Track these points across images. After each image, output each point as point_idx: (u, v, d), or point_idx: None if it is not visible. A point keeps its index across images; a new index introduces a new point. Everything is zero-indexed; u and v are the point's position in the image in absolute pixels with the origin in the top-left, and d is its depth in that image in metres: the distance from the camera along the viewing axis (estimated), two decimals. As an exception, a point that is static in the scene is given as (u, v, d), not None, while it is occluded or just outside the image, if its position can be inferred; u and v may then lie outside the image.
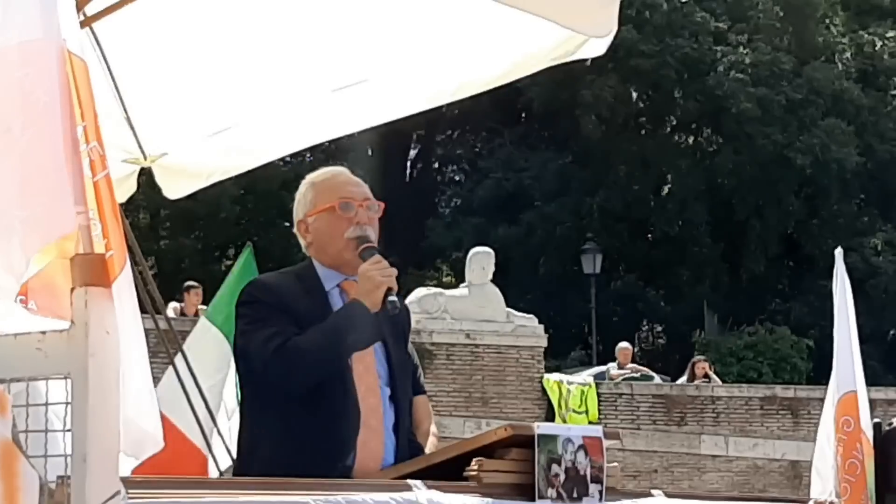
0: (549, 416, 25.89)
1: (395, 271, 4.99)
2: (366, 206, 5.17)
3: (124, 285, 3.39)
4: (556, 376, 27.38)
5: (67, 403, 3.28)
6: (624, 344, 30.72)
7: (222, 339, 8.58)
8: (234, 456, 5.82)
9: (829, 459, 6.16)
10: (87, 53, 3.68)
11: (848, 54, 40.62)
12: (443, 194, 49.22)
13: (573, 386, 27.12)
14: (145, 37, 6.35)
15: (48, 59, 3.35)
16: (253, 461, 4.93)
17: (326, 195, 5.20)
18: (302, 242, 5.27)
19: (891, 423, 6.36)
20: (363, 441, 5.04)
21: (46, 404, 3.35)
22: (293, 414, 4.95)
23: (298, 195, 5.27)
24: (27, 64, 3.36)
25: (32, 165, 3.34)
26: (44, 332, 3.32)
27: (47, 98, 3.32)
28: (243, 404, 5.27)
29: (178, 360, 7.77)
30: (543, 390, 26.67)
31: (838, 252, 6.36)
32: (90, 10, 5.85)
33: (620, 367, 29.36)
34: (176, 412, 7.61)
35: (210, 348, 8.68)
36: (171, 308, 23.39)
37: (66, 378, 3.28)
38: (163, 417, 7.27)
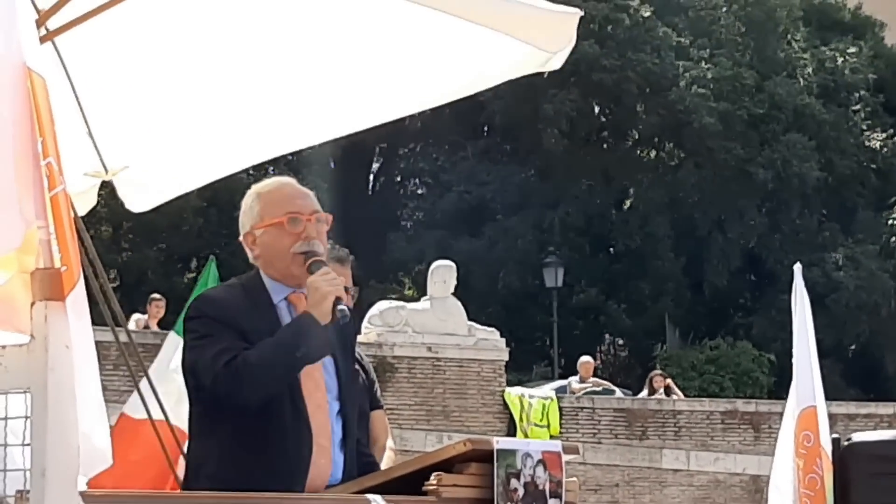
0: (511, 430, 25.90)
1: (342, 280, 4.99)
2: (314, 220, 5.11)
3: (78, 299, 3.38)
4: (517, 390, 27.39)
5: (27, 418, 3.28)
6: (585, 358, 30.77)
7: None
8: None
9: (788, 474, 6.19)
10: (48, 68, 3.68)
11: (809, 69, 40.80)
12: (405, 207, 49.21)
13: (535, 400, 27.13)
14: (107, 50, 6.34)
15: (7, 75, 3.36)
16: (200, 478, 4.84)
17: (273, 208, 5.15)
18: (249, 254, 5.22)
19: (849, 439, 6.39)
20: (313, 460, 4.97)
21: (6, 419, 3.36)
22: (242, 432, 4.88)
23: (245, 206, 5.20)
24: (-11, 79, 3.37)
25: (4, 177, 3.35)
26: (3, 347, 3.33)
27: (7, 113, 3.33)
28: (191, 421, 5.20)
29: (143, 384, 7.76)
30: (505, 404, 26.68)
31: (797, 267, 6.40)
32: (52, 24, 5.85)
33: (582, 380, 29.40)
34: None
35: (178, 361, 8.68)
36: (134, 320, 23.34)
37: (25, 392, 3.29)
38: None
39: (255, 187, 5.28)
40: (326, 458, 5.03)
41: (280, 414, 4.93)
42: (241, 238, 5.26)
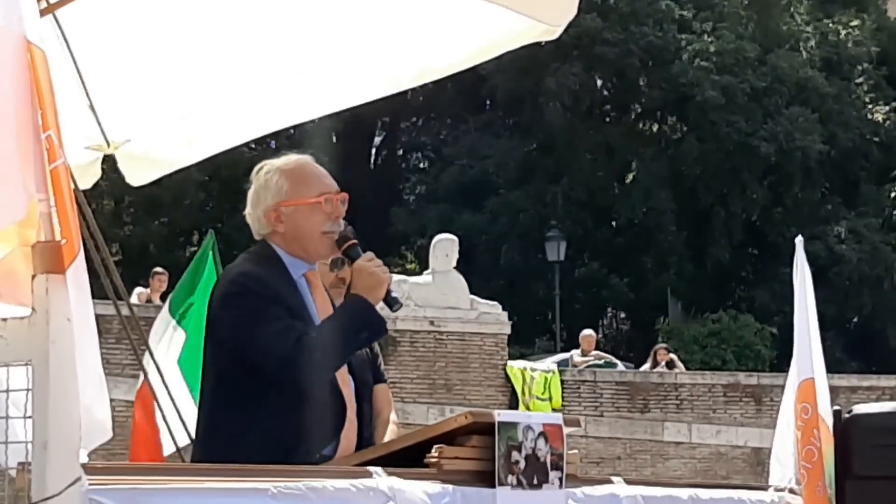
0: (513, 403, 25.91)
1: (387, 269, 5.07)
2: (340, 201, 5.19)
3: (78, 272, 3.39)
4: (519, 363, 27.40)
5: (28, 390, 3.29)
6: (588, 331, 30.76)
7: (182, 337, 8.61)
8: (195, 437, 5.74)
9: (788, 447, 6.19)
10: (49, 41, 3.68)
11: (812, 43, 40.72)
12: (407, 181, 49.20)
13: (537, 373, 27.13)
14: (108, 24, 6.34)
15: (7, 48, 3.36)
16: (234, 450, 4.77)
17: (305, 187, 5.17)
18: (265, 228, 5.19)
19: (850, 411, 6.40)
20: (344, 433, 5.07)
21: (8, 391, 3.37)
22: (285, 406, 4.91)
23: (265, 181, 5.17)
24: (-11, 52, 3.38)
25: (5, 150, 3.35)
26: (5, 320, 3.34)
27: (6, 86, 3.33)
28: (218, 393, 5.18)
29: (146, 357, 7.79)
30: (507, 377, 26.70)
31: (798, 240, 6.39)
32: (51, -2, 5.86)
33: (584, 354, 29.39)
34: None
35: (174, 343, 8.70)
36: (137, 294, 23.37)
37: (27, 365, 3.29)
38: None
39: (275, 163, 5.25)
40: (353, 430, 5.13)
41: (322, 390, 4.98)
42: (254, 212, 5.23)
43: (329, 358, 4.94)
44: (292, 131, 31.99)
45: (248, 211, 5.23)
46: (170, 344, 8.95)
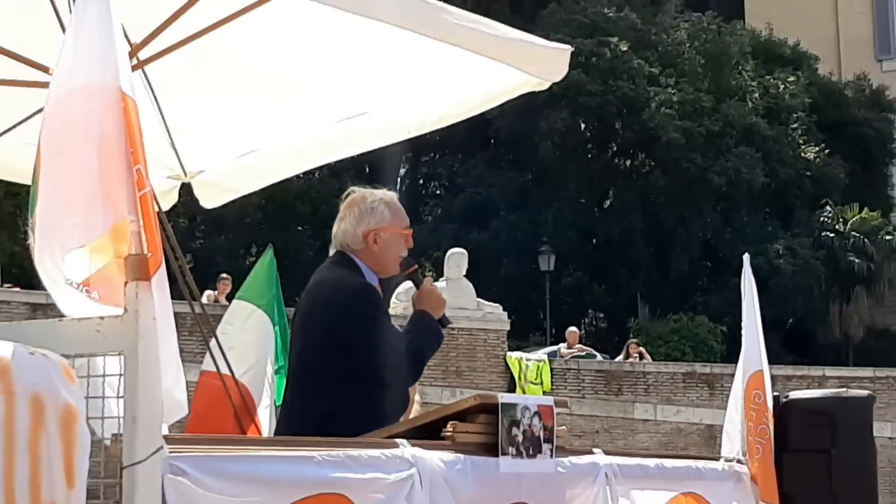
0: (511, 387, 25.89)
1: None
2: (411, 232, 5.31)
3: (161, 279, 3.40)
4: (516, 354, 27.39)
5: (121, 375, 3.30)
6: (572, 328, 30.80)
7: (264, 318, 8.55)
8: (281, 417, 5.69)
9: (736, 425, 6.17)
10: (138, 91, 3.69)
11: (756, 95, 40.65)
12: (426, 205, 49.14)
13: (531, 362, 27.13)
14: (186, 75, 6.35)
15: (107, 99, 3.37)
16: (328, 424, 4.80)
17: (400, 219, 5.26)
18: (359, 244, 5.17)
19: (787, 396, 6.39)
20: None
21: (104, 376, 3.37)
22: (371, 396, 4.97)
23: (371, 207, 5.18)
24: (90, 102, 3.38)
25: (94, 181, 3.36)
26: (102, 318, 3.35)
27: (110, 129, 3.34)
28: (305, 384, 5.14)
29: (215, 343, 7.75)
30: (506, 365, 26.67)
31: (746, 256, 6.37)
32: (142, 55, 5.86)
33: (569, 346, 29.40)
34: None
35: (254, 326, 8.61)
36: (206, 296, 23.38)
37: (119, 355, 3.30)
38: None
39: (377, 194, 5.25)
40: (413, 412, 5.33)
41: (402, 386, 5.18)
42: (353, 229, 5.16)
43: (414, 357, 5.07)
44: (334, 163, 32.01)
45: (343, 226, 5.18)
46: (246, 325, 8.77)
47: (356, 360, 4.94)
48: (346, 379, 4.96)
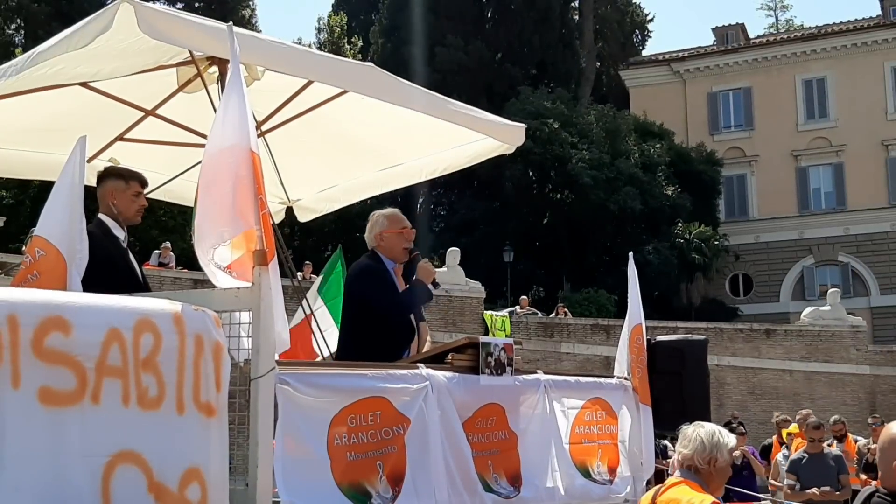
0: (486, 332, 25.85)
1: (434, 268, 5.20)
2: (411, 232, 5.27)
3: (274, 266, 3.40)
4: (489, 312, 27.36)
5: (250, 323, 3.30)
6: (523, 297, 30.73)
7: (328, 318, 8.43)
8: (331, 351, 5.72)
9: (624, 356, 6.14)
10: (262, 151, 3.68)
11: (636, 154, 40.52)
12: (435, 221, 49.00)
13: (498, 318, 27.09)
14: (291, 141, 6.32)
15: (242, 154, 3.37)
16: (360, 351, 4.81)
17: (395, 224, 5.25)
18: (373, 243, 5.22)
19: (655, 339, 6.36)
20: (412, 345, 5.15)
21: (240, 324, 3.37)
22: (387, 328, 4.94)
23: (375, 220, 5.25)
24: (233, 156, 3.37)
25: (236, 205, 3.36)
26: (238, 288, 3.35)
27: (244, 173, 3.34)
28: (353, 325, 5.11)
29: (305, 304, 7.71)
30: (483, 319, 26.64)
31: (630, 254, 6.35)
32: (264, 127, 5.85)
33: (521, 308, 29.32)
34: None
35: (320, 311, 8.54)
36: (298, 275, 23.32)
37: (249, 311, 3.30)
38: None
39: (380, 211, 5.35)
40: (415, 344, 5.20)
41: (406, 324, 5.08)
42: (369, 235, 5.25)
43: (405, 308, 5.05)
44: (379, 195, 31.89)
45: (366, 235, 5.28)
46: (316, 303, 8.72)
47: (367, 309, 4.97)
48: (363, 321, 5.00)
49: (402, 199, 40.44)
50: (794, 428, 13.78)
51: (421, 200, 48.27)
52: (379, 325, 4.95)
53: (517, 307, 29.54)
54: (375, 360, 4.33)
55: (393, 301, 4.95)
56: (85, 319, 2.74)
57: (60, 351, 2.66)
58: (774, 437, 14.88)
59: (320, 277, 9.60)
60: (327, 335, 7.49)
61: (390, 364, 4.39)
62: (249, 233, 3.35)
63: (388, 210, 5.35)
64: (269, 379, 3.31)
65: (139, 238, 26.86)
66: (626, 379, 6.01)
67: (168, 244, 25.09)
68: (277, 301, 3.38)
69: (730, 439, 3.88)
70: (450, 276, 26.12)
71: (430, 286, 5.16)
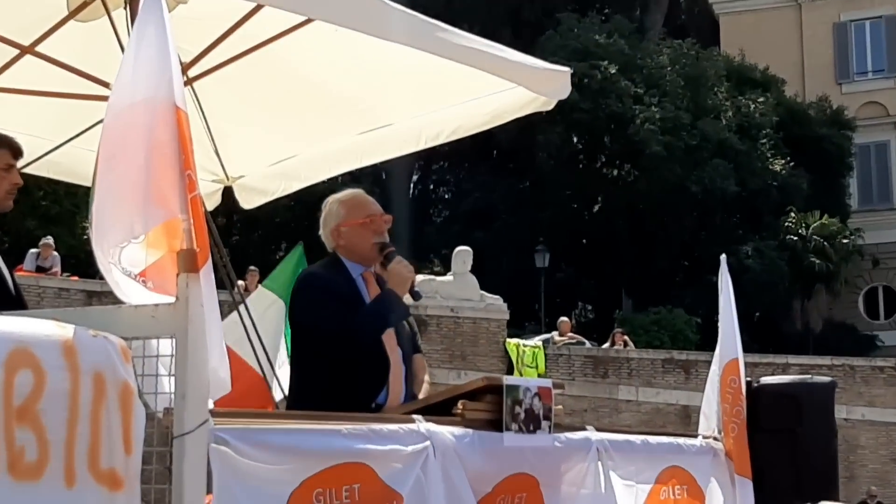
0: (510, 370, 25.91)
1: (412, 269, 5.11)
2: (384, 220, 5.23)
3: (208, 272, 3.40)
4: (514, 340, 27.39)
5: (172, 356, 3.30)
6: (563, 318, 30.76)
7: (283, 309, 8.53)
8: (286, 393, 5.78)
9: (713, 406, 6.15)
10: (188, 106, 3.69)
11: (730, 113, 40.56)
12: (436, 208, 49.17)
13: (527, 348, 27.13)
14: (229, 92, 6.36)
15: (164, 112, 3.38)
16: (311, 401, 4.85)
17: (356, 212, 5.23)
18: (331, 244, 5.27)
19: (757, 381, 6.38)
20: (391, 385, 5.10)
21: (157, 356, 3.38)
22: (343, 366, 4.94)
23: (329, 210, 5.26)
24: (149, 113, 3.38)
25: (152, 184, 3.37)
26: (156, 305, 3.35)
27: (164, 138, 3.35)
28: (299, 360, 5.25)
29: (244, 315, 7.74)
30: (505, 350, 26.67)
31: (723, 257, 6.35)
32: (191, 73, 5.87)
33: (561, 335, 29.36)
34: (243, 350, 7.61)
35: (272, 315, 8.61)
36: (240, 285, 23.39)
37: (171, 338, 3.31)
38: (233, 354, 7.26)
39: (336, 196, 5.32)
40: (400, 384, 5.15)
41: (367, 355, 5.01)
42: (324, 232, 5.29)
43: (367, 336, 4.98)
44: (354, 171, 32.00)
45: (320, 232, 5.29)
46: (266, 313, 8.77)
47: (311, 339, 5.03)
48: (309, 356, 5.07)
49: (386, 175, 40.71)
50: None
51: (415, 178, 48.48)
52: (329, 361, 4.96)
53: (554, 334, 29.56)
54: (331, 410, 4.33)
55: (344, 325, 4.94)
56: (-67, 350, 2.74)
57: None
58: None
59: (262, 287, 9.62)
60: (281, 371, 7.49)
61: (375, 416, 4.39)
62: (172, 224, 3.35)
63: (346, 193, 5.33)
64: (199, 436, 3.30)
65: (9, 231, 27.00)
66: (715, 439, 6.00)
67: (50, 240, 25.09)
68: (213, 323, 3.38)
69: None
70: (457, 287, 26.18)
71: (409, 297, 5.15)
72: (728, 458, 5.94)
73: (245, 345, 7.53)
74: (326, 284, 5.08)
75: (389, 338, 5.15)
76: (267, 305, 8.80)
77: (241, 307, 7.42)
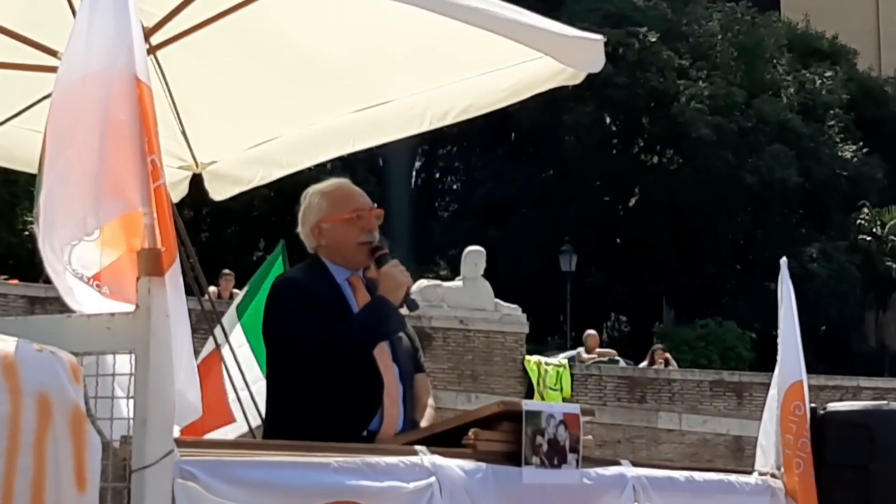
0: (529, 393, 25.94)
1: (408, 274, 5.12)
2: (373, 215, 5.24)
3: (175, 275, 3.41)
4: (535, 358, 27.41)
5: (131, 375, 3.31)
6: (590, 331, 30.78)
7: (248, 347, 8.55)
8: (263, 418, 5.79)
9: (771, 437, 6.15)
10: (152, 79, 3.69)
11: (791, 90, 40.63)
12: (442, 200, 49.20)
13: (550, 367, 27.16)
14: (199, 63, 6.37)
15: (122, 85, 3.38)
16: (290, 427, 4.89)
17: (340, 206, 5.24)
18: (311, 243, 5.28)
19: (825, 408, 6.37)
20: (386, 409, 5.09)
21: (113, 375, 3.38)
22: (327, 388, 4.94)
23: (309, 203, 5.27)
24: (105, 87, 3.38)
25: (108, 170, 3.37)
26: (112, 314, 3.36)
27: (123, 117, 3.35)
28: (275, 380, 5.26)
29: (218, 332, 7.77)
30: (524, 370, 26.69)
31: (783, 260, 6.35)
32: (155, 40, 5.87)
33: (588, 351, 29.37)
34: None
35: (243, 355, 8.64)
36: (209, 292, 23.43)
37: (130, 353, 3.31)
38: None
39: (317, 187, 5.33)
40: (396, 409, 5.13)
41: (354, 374, 5.01)
42: (303, 229, 5.30)
43: (354, 351, 4.99)
44: (346, 155, 32.02)
45: (299, 229, 5.30)
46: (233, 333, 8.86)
47: (289, 356, 5.04)
48: (286, 374, 5.09)
49: (384, 162, 40.73)
50: None
51: (417, 165, 48.46)
52: (310, 381, 4.98)
53: (582, 350, 29.58)
54: (313, 439, 4.33)
55: (328, 338, 4.95)
56: None
57: None
58: None
59: (243, 292, 9.67)
60: (255, 389, 7.50)
61: (369, 447, 4.40)
62: (132, 218, 3.35)
63: (329, 183, 5.35)
64: (162, 470, 3.31)
65: (-62, 226, 27.06)
66: (773, 476, 6.00)
67: (-14, 237, 25.21)
68: (180, 336, 3.39)
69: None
70: (468, 295, 26.19)
71: (404, 306, 5.16)
72: (791, 498, 5.93)
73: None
74: (305, 291, 5.08)
75: (383, 353, 5.14)
76: (240, 339, 8.83)
77: (216, 326, 7.48)
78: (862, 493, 6.09)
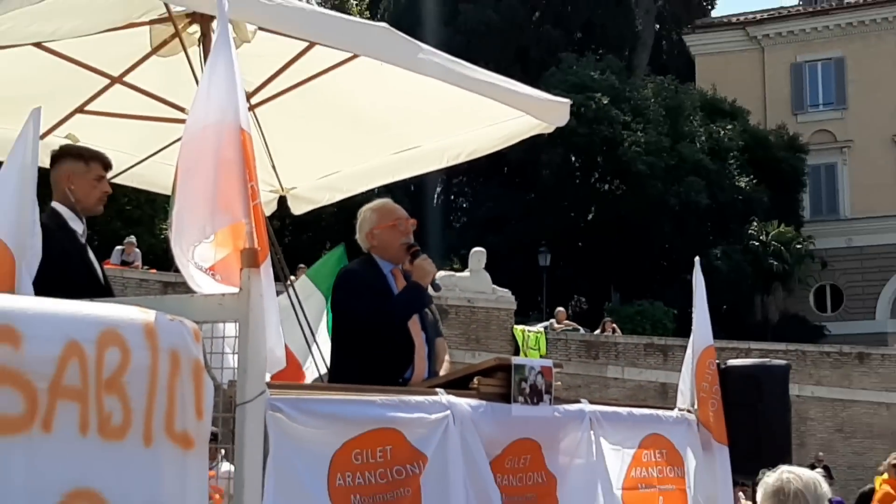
0: (516, 352, 25.89)
1: (434, 266, 5.15)
2: (409, 224, 5.25)
3: (267, 267, 3.40)
4: (520, 327, 27.35)
5: (236, 337, 3.30)
6: (560, 308, 30.70)
7: (322, 300, 8.51)
8: (329, 368, 5.78)
9: (688, 384, 6.12)
10: (251, 128, 3.69)
11: (703, 138, 40.39)
12: (456, 215, 49.06)
13: (531, 333, 27.08)
14: (285, 117, 6.36)
15: (233, 133, 3.37)
16: (348, 375, 4.89)
17: (385, 217, 5.26)
18: (366, 245, 5.30)
19: (726, 364, 6.35)
20: (416, 363, 5.11)
21: (223, 337, 3.38)
22: (376, 347, 4.97)
23: (363, 217, 5.33)
24: (218, 135, 3.38)
25: (220, 193, 3.37)
26: (223, 294, 3.35)
27: (231, 156, 3.35)
28: (338, 341, 5.25)
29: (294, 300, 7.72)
30: (513, 335, 26.63)
31: (697, 259, 6.33)
32: (254, 100, 5.87)
33: (559, 322, 29.28)
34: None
35: (313, 304, 8.58)
36: (290, 279, 23.35)
37: (235, 322, 3.30)
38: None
39: (369, 205, 5.39)
40: (423, 363, 5.16)
41: (397, 337, 5.05)
42: (360, 235, 5.32)
43: (396, 319, 5.03)
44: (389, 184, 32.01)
45: (357, 236, 5.32)
46: (306, 303, 8.72)
47: (350, 323, 5.07)
48: (347, 338, 5.10)
49: (415, 188, 40.58)
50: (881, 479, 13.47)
51: (438, 190, 48.32)
52: (365, 342, 4.99)
53: (553, 321, 29.50)
54: (366, 384, 4.33)
55: (377, 311, 4.97)
56: (38, 330, 2.67)
57: (7, 367, 2.58)
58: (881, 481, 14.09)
59: (305, 277, 9.58)
60: (321, 349, 7.48)
61: (404, 389, 4.40)
62: (237, 227, 3.34)
63: (377, 202, 5.40)
64: (258, 405, 3.31)
65: (98, 231, 27.07)
66: (689, 412, 5.97)
67: (133, 239, 25.14)
68: (270, 310, 3.38)
69: (827, 491, 3.79)
70: (473, 282, 26.14)
71: (430, 288, 5.19)
72: (705, 427, 5.91)
73: (285, 328, 7.54)
74: (362, 279, 5.11)
75: (415, 323, 5.17)
76: (308, 294, 8.78)
77: (291, 292, 7.44)
78: (752, 424, 6.06)
